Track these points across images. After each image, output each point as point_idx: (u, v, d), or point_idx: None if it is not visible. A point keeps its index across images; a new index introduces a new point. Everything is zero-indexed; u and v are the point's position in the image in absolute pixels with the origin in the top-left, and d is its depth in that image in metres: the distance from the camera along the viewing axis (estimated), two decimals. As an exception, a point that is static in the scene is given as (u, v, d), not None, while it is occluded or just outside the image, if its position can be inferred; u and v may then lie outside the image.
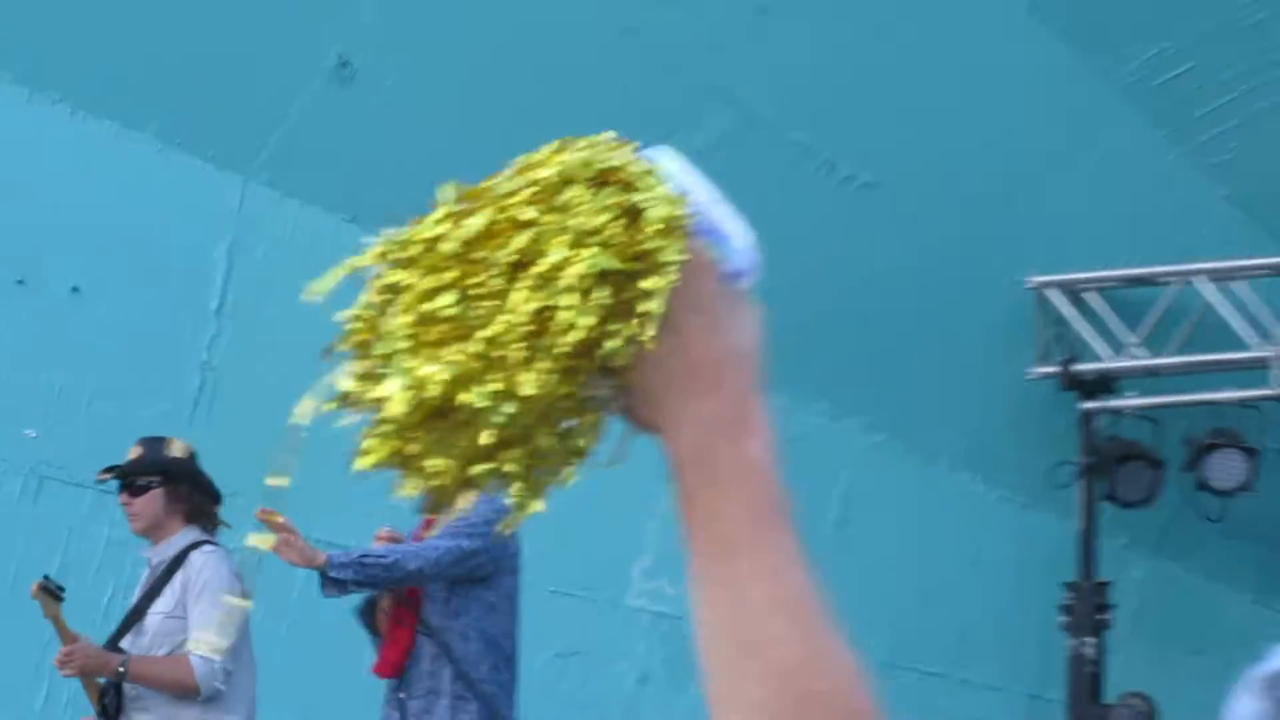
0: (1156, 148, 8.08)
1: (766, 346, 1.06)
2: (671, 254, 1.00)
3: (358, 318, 1.03)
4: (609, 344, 0.99)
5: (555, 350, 0.99)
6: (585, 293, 0.99)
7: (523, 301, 0.99)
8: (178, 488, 5.60)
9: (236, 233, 7.20)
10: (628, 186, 1.02)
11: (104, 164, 6.99)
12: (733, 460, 1.03)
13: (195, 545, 5.57)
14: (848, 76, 7.56)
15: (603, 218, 1.00)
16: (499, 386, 0.99)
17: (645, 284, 1.00)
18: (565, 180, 1.02)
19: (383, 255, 1.03)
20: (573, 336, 0.98)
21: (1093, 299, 8.36)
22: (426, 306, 1.00)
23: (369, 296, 1.03)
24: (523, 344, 0.99)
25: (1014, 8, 7.73)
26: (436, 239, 1.01)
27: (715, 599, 1.02)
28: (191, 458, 5.70)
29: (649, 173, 1.03)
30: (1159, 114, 8.01)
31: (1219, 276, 8.16)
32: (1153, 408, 8.31)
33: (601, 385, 1.02)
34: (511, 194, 1.02)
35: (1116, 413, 8.39)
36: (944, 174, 7.85)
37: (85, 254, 7.03)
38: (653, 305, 0.99)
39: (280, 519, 5.20)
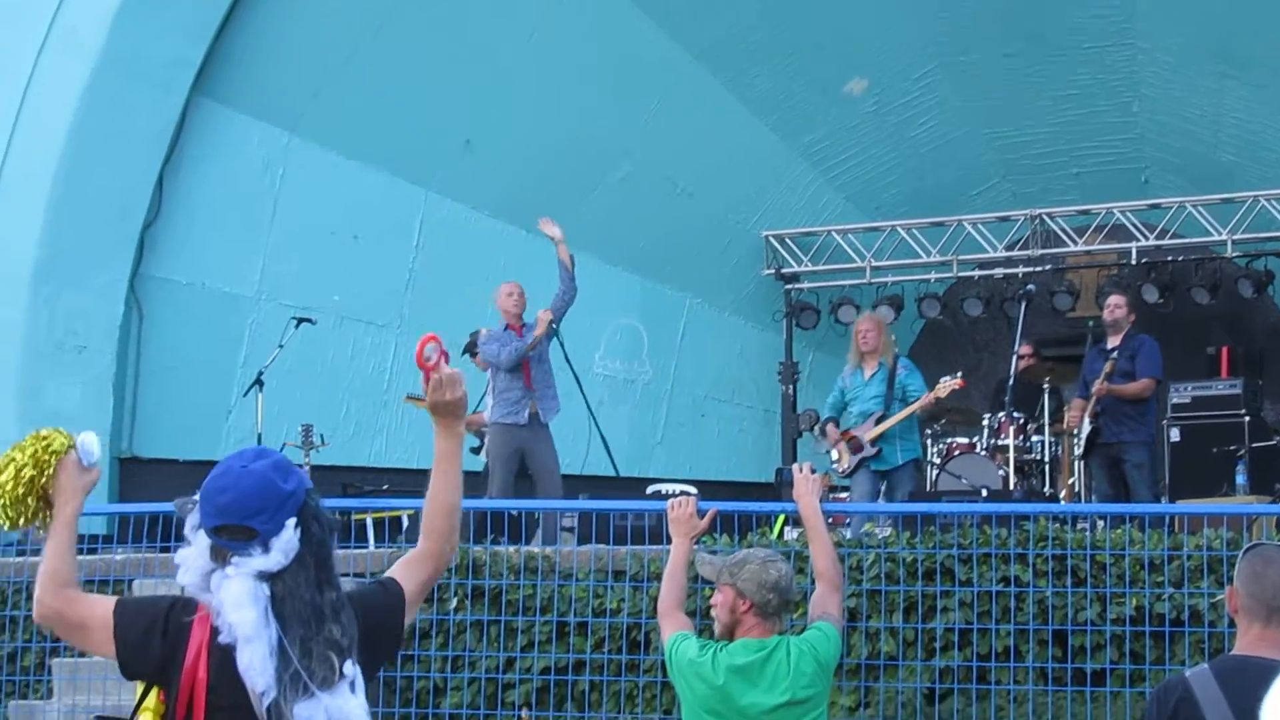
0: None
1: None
2: (55, 459, 3.59)
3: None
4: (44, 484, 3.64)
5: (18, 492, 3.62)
6: (32, 480, 3.60)
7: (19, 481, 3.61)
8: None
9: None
10: (51, 442, 3.64)
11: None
12: (68, 519, 3.55)
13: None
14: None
15: (41, 455, 3.61)
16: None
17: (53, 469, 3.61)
18: (38, 446, 3.63)
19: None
20: (22, 489, 3.61)
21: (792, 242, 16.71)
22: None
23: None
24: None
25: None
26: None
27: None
28: None
29: (71, 445, 3.59)
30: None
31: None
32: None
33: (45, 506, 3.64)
34: (21, 448, 3.63)
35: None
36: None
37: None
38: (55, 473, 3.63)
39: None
